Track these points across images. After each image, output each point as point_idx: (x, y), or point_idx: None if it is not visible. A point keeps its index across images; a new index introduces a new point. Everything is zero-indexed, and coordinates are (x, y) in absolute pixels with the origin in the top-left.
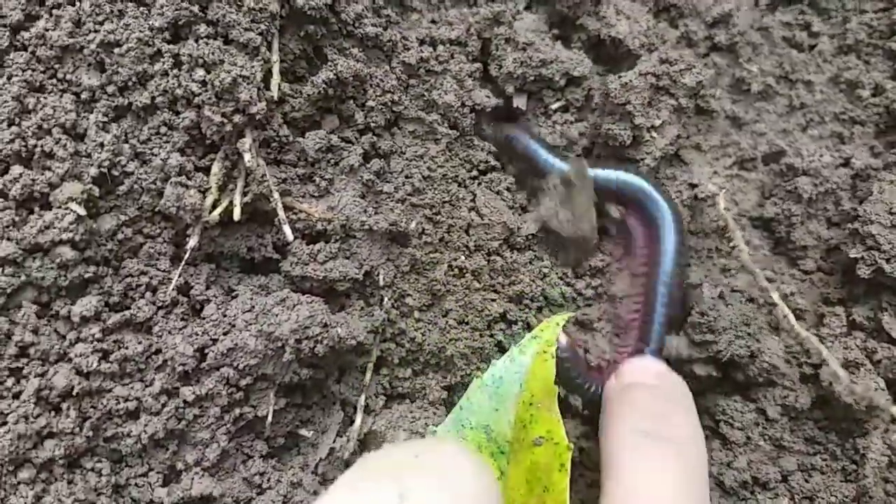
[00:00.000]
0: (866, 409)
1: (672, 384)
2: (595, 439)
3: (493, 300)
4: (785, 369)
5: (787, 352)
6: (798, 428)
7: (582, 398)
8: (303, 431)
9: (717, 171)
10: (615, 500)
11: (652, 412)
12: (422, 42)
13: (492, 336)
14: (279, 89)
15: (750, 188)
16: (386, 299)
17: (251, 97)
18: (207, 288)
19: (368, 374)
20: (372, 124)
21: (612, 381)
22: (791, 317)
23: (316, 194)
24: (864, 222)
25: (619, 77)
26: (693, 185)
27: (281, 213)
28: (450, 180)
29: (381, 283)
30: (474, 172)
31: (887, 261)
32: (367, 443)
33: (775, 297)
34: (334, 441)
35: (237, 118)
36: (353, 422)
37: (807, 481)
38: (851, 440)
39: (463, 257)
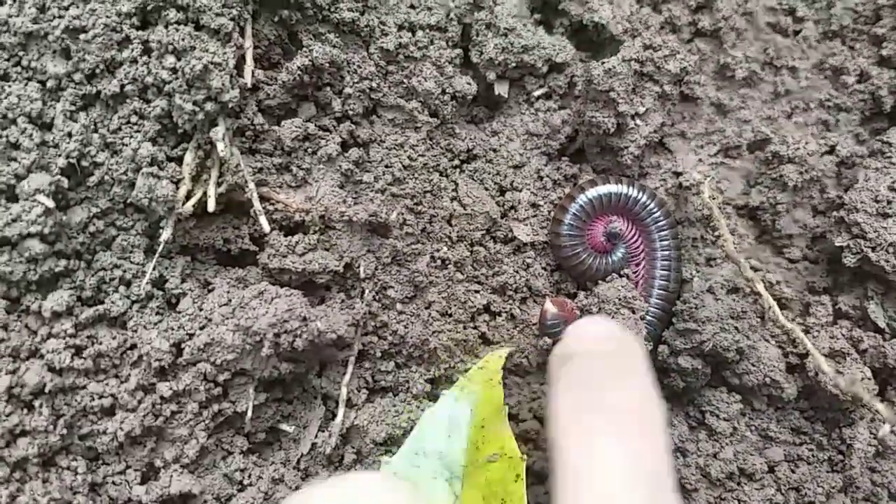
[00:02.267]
0: (851, 400)
1: (620, 346)
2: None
3: (477, 291)
4: (775, 365)
5: (775, 342)
6: (784, 418)
7: None
8: (284, 426)
9: (701, 158)
10: (565, 486)
11: (593, 383)
12: (400, 27)
13: (475, 328)
14: (253, 76)
15: (735, 176)
16: (367, 292)
17: (223, 84)
18: (183, 281)
19: (350, 368)
20: (350, 112)
21: (555, 348)
22: (775, 307)
23: (293, 184)
24: (849, 210)
25: (603, 63)
26: (678, 174)
27: (257, 203)
28: (431, 169)
29: (362, 275)
30: (456, 161)
31: (873, 249)
32: (349, 437)
33: (759, 287)
34: (316, 436)
35: (209, 106)
36: (334, 416)
37: (793, 472)
38: (838, 430)
39: (445, 248)
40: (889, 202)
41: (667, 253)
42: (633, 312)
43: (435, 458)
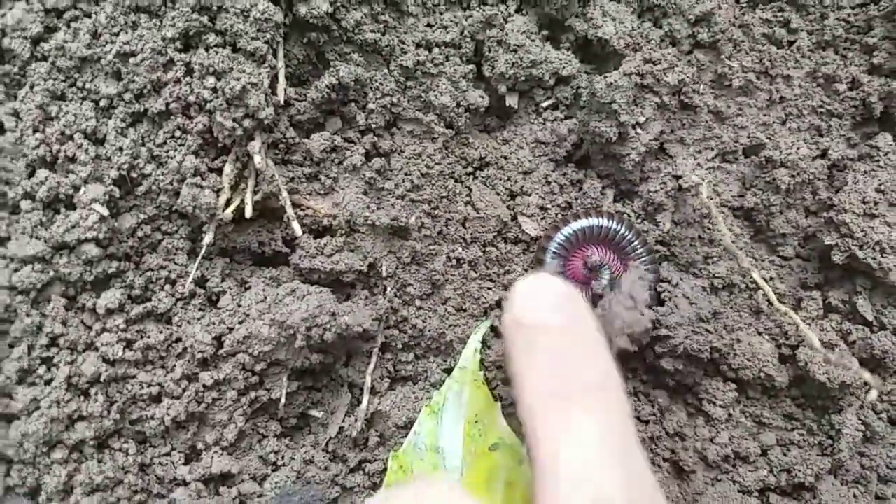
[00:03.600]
0: (840, 386)
1: (574, 319)
2: None
3: (489, 288)
4: (769, 360)
5: (768, 336)
6: (777, 406)
7: None
8: (314, 412)
9: (699, 163)
10: (544, 471)
11: (554, 366)
12: (418, 45)
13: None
14: (285, 94)
15: (731, 179)
16: (389, 289)
17: (260, 103)
18: (222, 280)
19: (374, 359)
20: (373, 125)
21: (507, 313)
22: (770, 293)
23: (322, 192)
24: (838, 211)
25: (605, 77)
26: (677, 177)
27: (290, 210)
28: (447, 176)
29: (384, 273)
30: (469, 169)
31: (860, 247)
32: (373, 421)
33: (755, 276)
34: (343, 420)
35: (247, 123)
36: (360, 402)
37: (785, 455)
38: (827, 416)
39: (460, 249)
40: (876, 203)
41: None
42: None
43: (435, 452)
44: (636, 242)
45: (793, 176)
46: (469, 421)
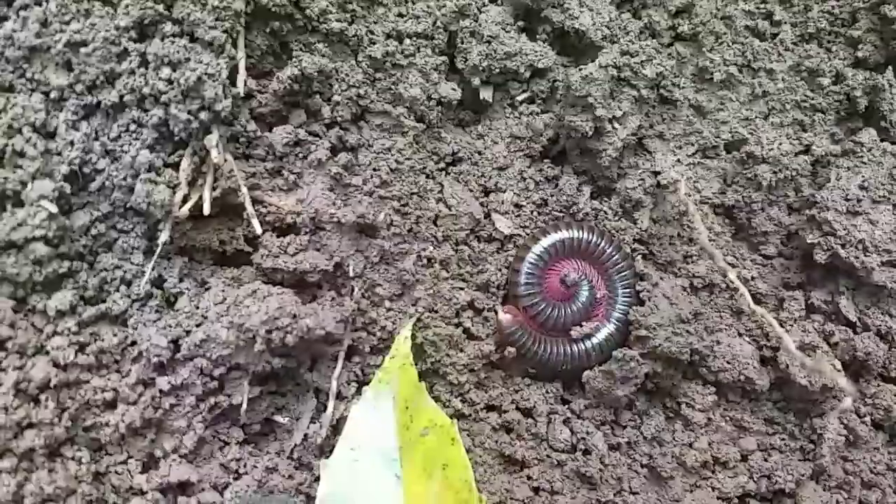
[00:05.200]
0: (820, 390)
1: None
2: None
3: (461, 289)
4: (748, 362)
5: (749, 338)
6: (758, 409)
7: (540, 368)
8: (278, 418)
9: (679, 159)
10: None
11: None
12: (388, 36)
13: (460, 324)
14: (245, 85)
15: (712, 176)
16: (356, 290)
17: (217, 94)
18: (181, 280)
19: (340, 363)
20: (339, 118)
21: None
22: (747, 294)
23: (285, 188)
24: (820, 209)
25: (580, 70)
26: (656, 173)
27: (249, 207)
28: (417, 172)
29: (351, 273)
30: (441, 164)
31: (843, 246)
32: (339, 428)
33: (732, 275)
34: (308, 427)
35: (203, 115)
36: (326, 408)
37: (766, 460)
38: (809, 420)
39: (431, 247)
40: (859, 201)
41: (627, 291)
42: None
43: (370, 448)
44: (613, 252)
45: (775, 172)
46: (400, 409)
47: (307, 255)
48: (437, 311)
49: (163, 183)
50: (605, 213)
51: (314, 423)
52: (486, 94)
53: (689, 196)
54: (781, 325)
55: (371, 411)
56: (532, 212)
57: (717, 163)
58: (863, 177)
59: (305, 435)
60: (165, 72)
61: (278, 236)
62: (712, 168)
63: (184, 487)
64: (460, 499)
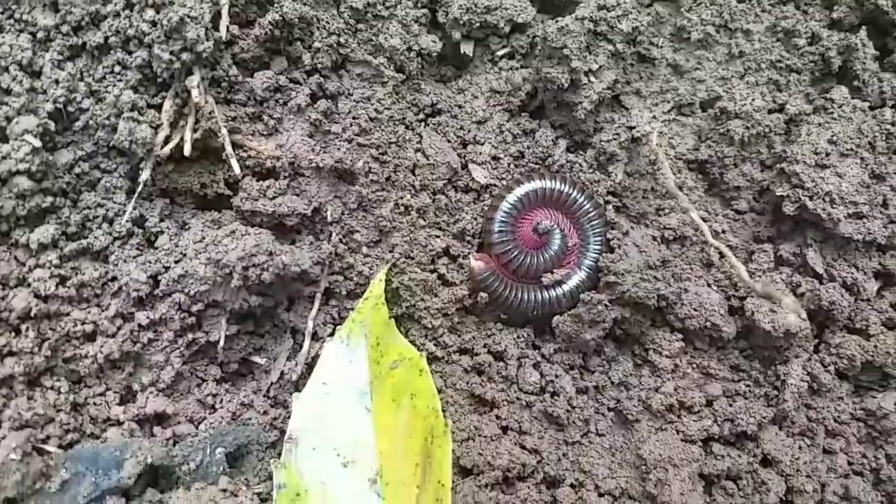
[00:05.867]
0: (785, 335)
1: None
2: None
3: (437, 236)
4: (715, 309)
5: (717, 287)
6: (724, 357)
7: (511, 313)
8: (256, 359)
9: (655, 115)
10: None
11: None
12: None
13: (435, 270)
14: (228, 30)
15: (687, 132)
16: (334, 234)
17: (199, 36)
18: (161, 221)
19: (317, 303)
20: (319, 66)
21: None
22: (706, 229)
23: (265, 133)
24: (790, 162)
25: (557, 21)
26: (631, 128)
27: (228, 147)
28: (396, 122)
29: (329, 218)
30: (421, 115)
31: (810, 198)
32: (315, 367)
33: (694, 215)
34: (284, 366)
35: (185, 56)
36: (302, 348)
37: (730, 406)
38: (773, 368)
39: (409, 196)
40: (828, 154)
41: (598, 239)
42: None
43: (342, 382)
44: (585, 202)
45: (747, 128)
46: (372, 346)
47: (286, 199)
48: (412, 258)
49: (145, 122)
50: (580, 165)
51: (290, 361)
52: (466, 48)
53: (660, 146)
54: (751, 276)
55: (343, 348)
56: (509, 164)
57: (692, 120)
58: (832, 132)
59: (281, 373)
60: (149, 14)
61: (258, 180)
62: (687, 125)
63: (160, 419)
64: (427, 425)
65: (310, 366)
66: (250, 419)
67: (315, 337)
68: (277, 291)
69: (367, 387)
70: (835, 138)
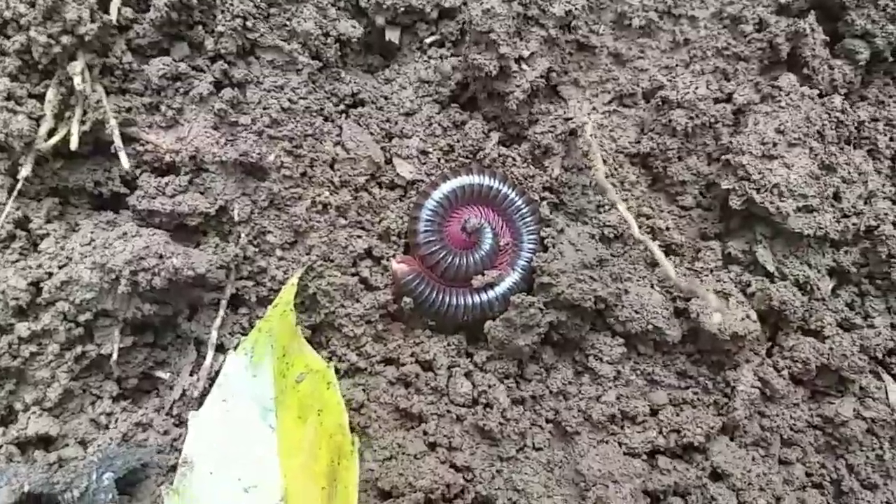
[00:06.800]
0: (732, 338)
1: None
2: None
3: (359, 237)
4: (658, 311)
5: (660, 288)
6: (671, 363)
7: (440, 319)
8: (159, 373)
9: (595, 106)
10: None
11: None
12: None
13: (356, 273)
14: (119, 13)
15: (629, 125)
16: (242, 235)
17: (80, 17)
18: (48, 222)
19: (221, 312)
20: (223, 51)
21: None
22: (632, 221)
23: (163, 124)
24: (736, 153)
25: (482, 4)
26: (568, 119)
27: (117, 139)
28: (313, 113)
29: (237, 218)
30: (341, 106)
31: (758, 191)
32: None
33: (621, 207)
34: (186, 381)
35: (65, 39)
36: (205, 361)
37: (677, 415)
38: (723, 373)
39: (327, 193)
40: (775, 144)
41: (532, 238)
42: None
43: (245, 399)
44: (516, 198)
45: (691, 118)
46: (278, 357)
47: (186, 197)
48: (332, 260)
49: (22, 113)
50: (514, 159)
51: (193, 376)
52: (392, 35)
53: (594, 137)
54: (697, 275)
55: (247, 361)
56: (439, 158)
57: (634, 111)
58: (780, 121)
59: (184, 389)
60: None
61: (156, 176)
62: (629, 116)
63: (46, 441)
64: (334, 442)
65: (213, 381)
66: (146, 440)
67: (221, 349)
68: (174, 298)
69: (271, 403)
70: (782, 127)
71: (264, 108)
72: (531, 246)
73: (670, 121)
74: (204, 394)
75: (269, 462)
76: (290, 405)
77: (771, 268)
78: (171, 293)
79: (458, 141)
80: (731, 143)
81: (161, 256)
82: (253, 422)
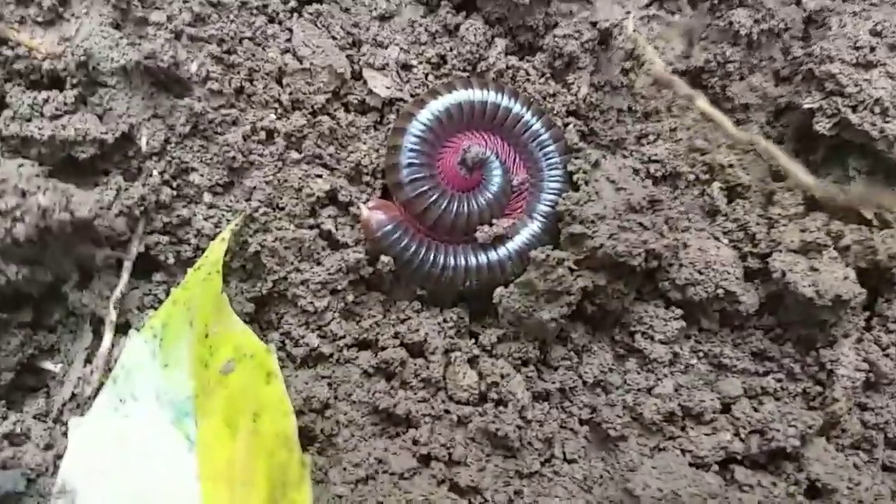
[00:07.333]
0: (833, 304)
1: None
2: None
3: (319, 176)
4: (729, 271)
5: (728, 241)
6: (743, 341)
7: (433, 286)
8: (47, 364)
9: (628, 10)
10: None
11: None
12: None
13: (316, 226)
14: None
15: (673, 34)
16: (154, 173)
17: None
18: None
19: (125, 277)
20: None
21: None
22: (727, 124)
23: (41, 20)
24: (821, 61)
25: None
26: (595, 24)
27: None
28: (253, 10)
29: (145, 149)
30: (292, 4)
31: (853, 109)
32: None
33: (701, 103)
34: (81, 373)
35: None
36: (101, 346)
37: (756, 410)
38: (815, 353)
39: (273, 116)
40: (873, 49)
41: (557, 174)
42: None
43: (151, 399)
44: (534, 121)
45: (756, 21)
46: (198, 338)
47: (74, 120)
48: (281, 208)
49: None
50: (527, 73)
51: (87, 367)
52: None
53: (638, 33)
54: (773, 227)
55: (155, 346)
56: (426, 74)
57: (679, 17)
58: (874, 21)
59: (75, 386)
60: None
61: (30, 91)
62: (673, 23)
63: None
64: (276, 462)
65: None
66: (21, 458)
67: (125, 329)
68: (53, 257)
69: (188, 404)
70: (879, 28)
71: (184, 3)
72: (555, 185)
73: (731, 24)
74: (99, 390)
75: (186, 492)
76: (214, 407)
77: (869, 214)
78: (48, 249)
79: (452, 49)
80: (812, 50)
81: (24, 194)
82: (162, 432)
